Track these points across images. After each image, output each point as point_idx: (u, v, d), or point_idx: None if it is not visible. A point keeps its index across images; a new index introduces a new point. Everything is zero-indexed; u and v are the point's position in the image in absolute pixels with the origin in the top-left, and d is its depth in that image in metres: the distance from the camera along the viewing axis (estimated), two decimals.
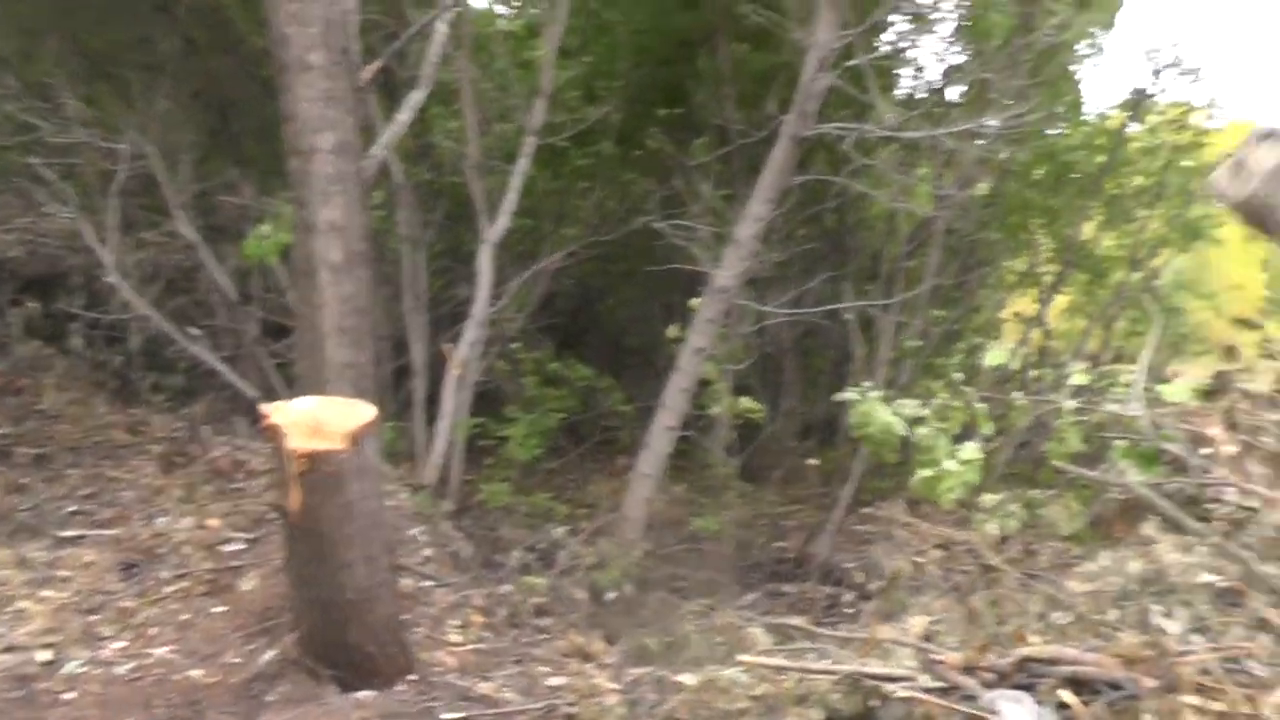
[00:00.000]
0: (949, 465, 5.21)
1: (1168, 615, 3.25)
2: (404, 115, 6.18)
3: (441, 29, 6.46)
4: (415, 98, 6.28)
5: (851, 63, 7.80)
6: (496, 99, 9.28)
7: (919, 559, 5.39)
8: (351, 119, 5.50)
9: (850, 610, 7.18)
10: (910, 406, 5.63)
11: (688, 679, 4.05)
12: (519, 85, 9.08)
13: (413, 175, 9.22)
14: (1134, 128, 12.11)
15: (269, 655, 4.53)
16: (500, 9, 10.93)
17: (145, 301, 8.72)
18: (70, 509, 6.69)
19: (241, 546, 5.90)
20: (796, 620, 5.87)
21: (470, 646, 5.05)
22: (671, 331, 8.03)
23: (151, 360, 9.34)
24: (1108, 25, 12.62)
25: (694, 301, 7.87)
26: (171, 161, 9.00)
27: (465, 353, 8.33)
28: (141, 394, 9.06)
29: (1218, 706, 2.56)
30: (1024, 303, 13.10)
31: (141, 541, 5.98)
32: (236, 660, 4.56)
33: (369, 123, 6.94)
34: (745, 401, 8.29)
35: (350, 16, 5.65)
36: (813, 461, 9.34)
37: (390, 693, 4.34)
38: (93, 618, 5.01)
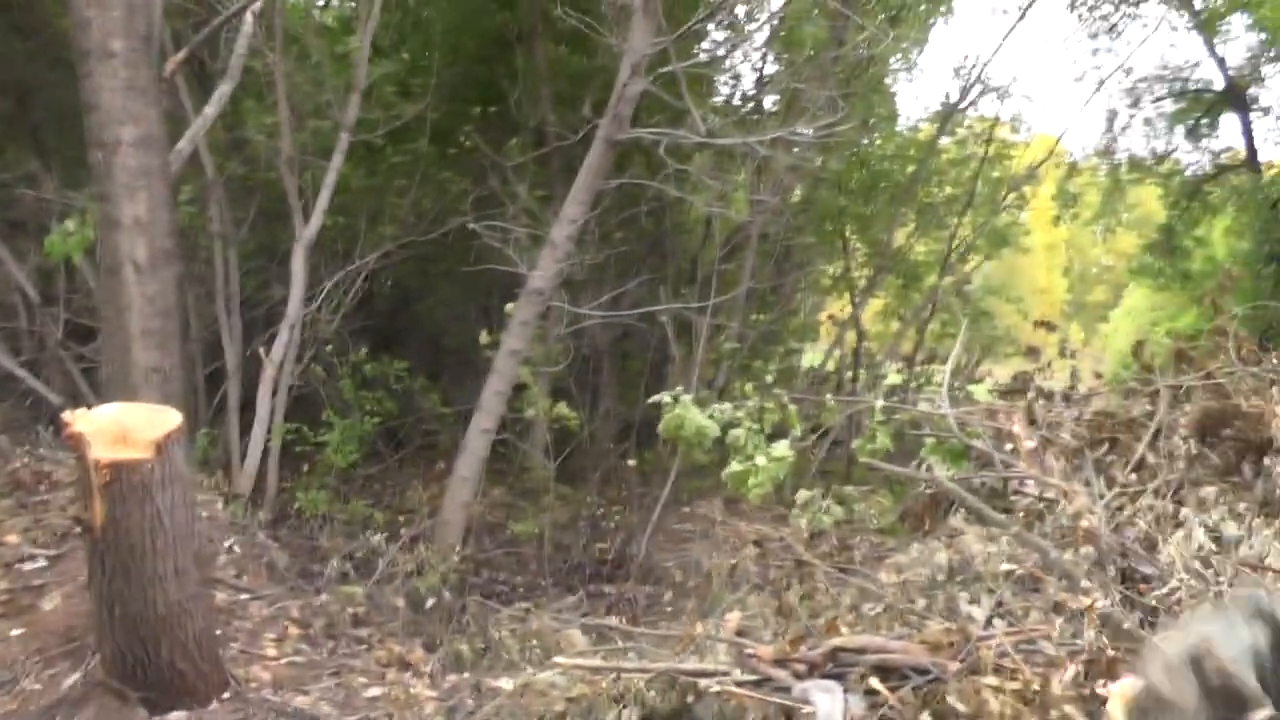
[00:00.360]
0: (759, 461, 5.31)
1: (973, 602, 3.37)
2: (211, 109, 5.98)
3: (249, 19, 6.28)
4: (223, 90, 6.10)
5: (667, 69, 7.88)
6: (311, 94, 9.08)
7: (736, 557, 5.48)
8: (155, 111, 5.29)
9: (670, 609, 7.24)
10: (725, 410, 5.72)
11: (505, 683, 4.03)
12: (334, 80, 8.91)
13: (225, 170, 8.96)
14: (945, 140, 12.61)
15: (72, 678, 4.29)
16: (315, 1, 10.68)
17: None
18: None
19: (43, 564, 5.61)
20: (614, 620, 5.90)
21: (287, 660, 4.92)
22: (484, 336, 7.99)
23: None
24: (922, 42, 13.11)
25: (510, 306, 7.85)
26: None
27: (279, 355, 8.14)
28: None
29: (1014, 686, 2.67)
30: (839, 306, 13.51)
31: None
32: (37, 686, 4.31)
33: (178, 115, 6.72)
34: (560, 406, 8.31)
35: (155, 2, 5.45)
36: (631, 462, 9.38)
37: (204, 712, 4.19)
38: None
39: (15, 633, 4.79)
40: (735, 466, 5.22)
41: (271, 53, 8.21)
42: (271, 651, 4.97)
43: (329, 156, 8.46)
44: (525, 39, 10.29)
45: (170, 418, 4.01)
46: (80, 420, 3.87)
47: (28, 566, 5.54)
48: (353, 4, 9.37)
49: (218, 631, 4.63)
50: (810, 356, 12.88)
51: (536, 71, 10.20)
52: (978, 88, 12.31)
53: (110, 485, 3.78)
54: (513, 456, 9.33)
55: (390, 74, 9.42)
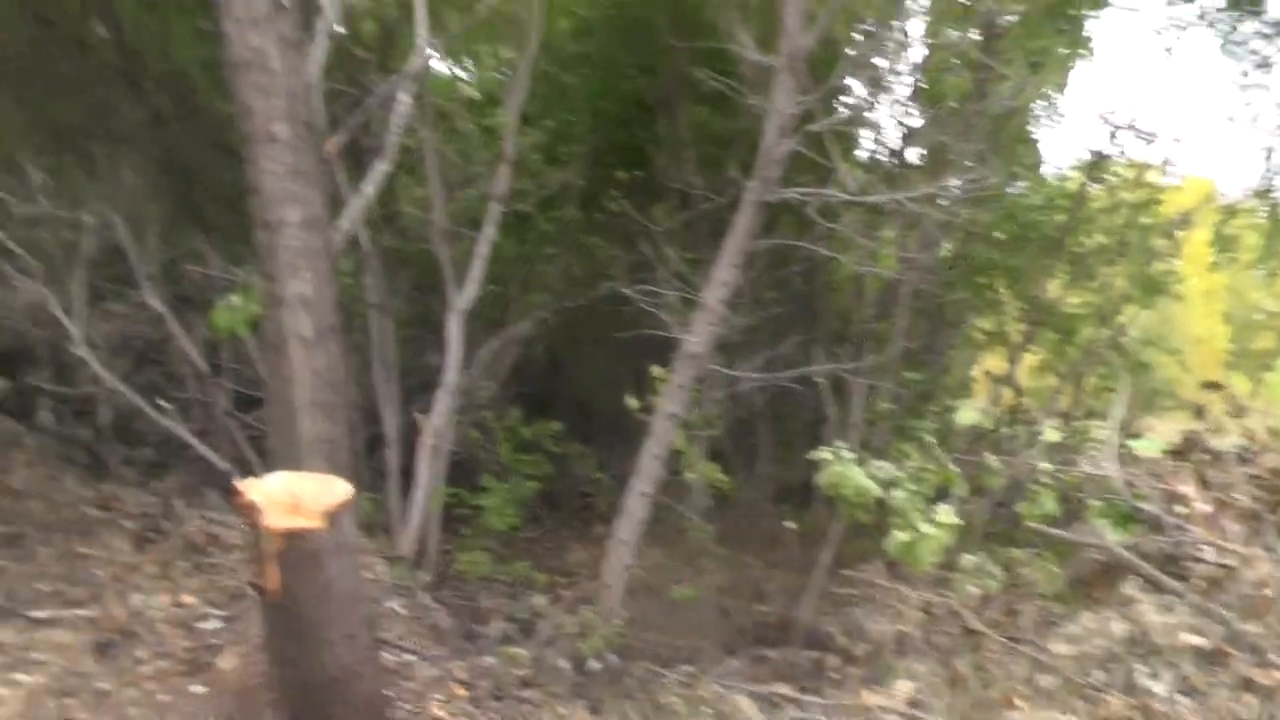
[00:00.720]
0: (925, 529, 5.20)
1: (1154, 677, 3.23)
2: (369, 187, 6.16)
3: (404, 98, 6.46)
4: (380, 169, 6.26)
5: (812, 127, 7.86)
6: (460, 166, 9.31)
7: (901, 622, 5.37)
8: (318, 192, 5.46)
9: (836, 675, 7.12)
10: (884, 469, 5.63)
11: None
12: (482, 151, 9.12)
13: (379, 242, 9.22)
14: (1093, 187, 12.28)
15: None
16: (461, 75, 10.96)
17: (114, 374, 8.64)
18: (43, 589, 6.57)
19: (219, 624, 5.81)
20: (782, 688, 5.82)
21: None
22: (631, 403, 8.01)
23: (122, 434, 9.28)
24: (1060, 87, 12.86)
25: (657, 370, 7.86)
26: (138, 232, 8.97)
27: (438, 422, 8.29)
28: (112, 468, 8.99)
29: None
30: (994, 362, 13.20)
31: (117, 620, 5.87)
32: None
33: (335, 192, 6.93)
34: (715, 469, 8.28)
35: (314, 88, 5.65)
36: (790, 525, 9.29)
37: None
38: (68, 700, 4.88)
39: (196, 690, 4.95)
40: (901, 535, 5.11)
41: (422, 128, 8.45)
42: (439, 713, 5.04)
43: (479, 226, 8.64)
44: (667, 102, 10.41)
45: (340, 488, 4.11)
46: (253, 490, 3.99)
47: (205, 626, 5.74)
48: (499, 76, 9.59)
49: (386, 693, 4.71)
50: (966, 414, 12.60)
51: (680, 134, 10.30)
52: (1124, 132, 11.96)
53: (283, 552, 3.89)
54: (670, 519, 9.32)
55: (537, 143, 9.60)
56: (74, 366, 8.94)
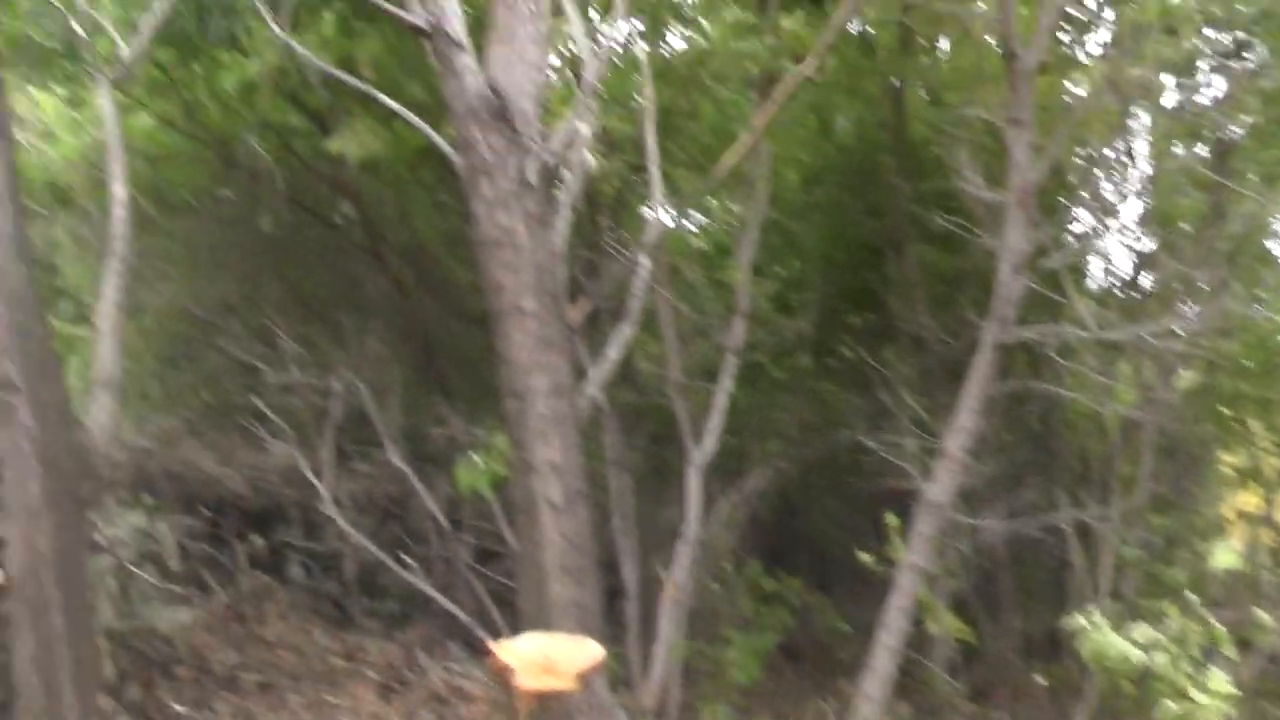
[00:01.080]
0: (1199, 698, 4.90)
1: None
2: (613, 352, 6.30)
3: (645, 263, 6.61)
4: (624, 333, 6.41)
5: (1045, 262, 7.68)
6: (693, 319, 9.43)
7: None
8: (564, 360, 5.62)
9: None
10: (1144, 632, 5.35)
11: None
12: (714, 303, 9.22)
13: (616, 399, 9.38)
14: None
15: None
16: (692, 228, 11.17)
17: (360, 531, 8.96)
18: None
19: None
20: None
21: None
22: (874, 554, 7.84)
23: (367, 587, 9.55)
24: None
25: (891, 519, 7.69)
26: (382, 396, 9.37)
27: (679, 574, 8.30)
28: (358, 621, 9.27)
29: None
30: (1248, 500, 12.48)
31: None
32: None
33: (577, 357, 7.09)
34: (959, 621, 8.01)
35: (559, 259, 5.84)
36: (1040, 679, 8.88)
37: None
38: None
39: None
40: (1173, 708, 4.83)
41: (657, 285, 8.63)
42: None
43: (714, 378, 8.70)
44: (896, 244, 10.36)
45: (592, 649, 4.13)
46: (505, 651, 4.03)
47: None
48: (730, 227, 9.73)
49: None
50: (1223, 557, 11.86)
51: (910, 276, 10.22)
52: None
53: (536, 713, 3.91)
54: (915, 671, 9.02)
55: (769, 292, 9.66)
56: (322, 524, 9.29)
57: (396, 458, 9.15)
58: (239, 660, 7.81)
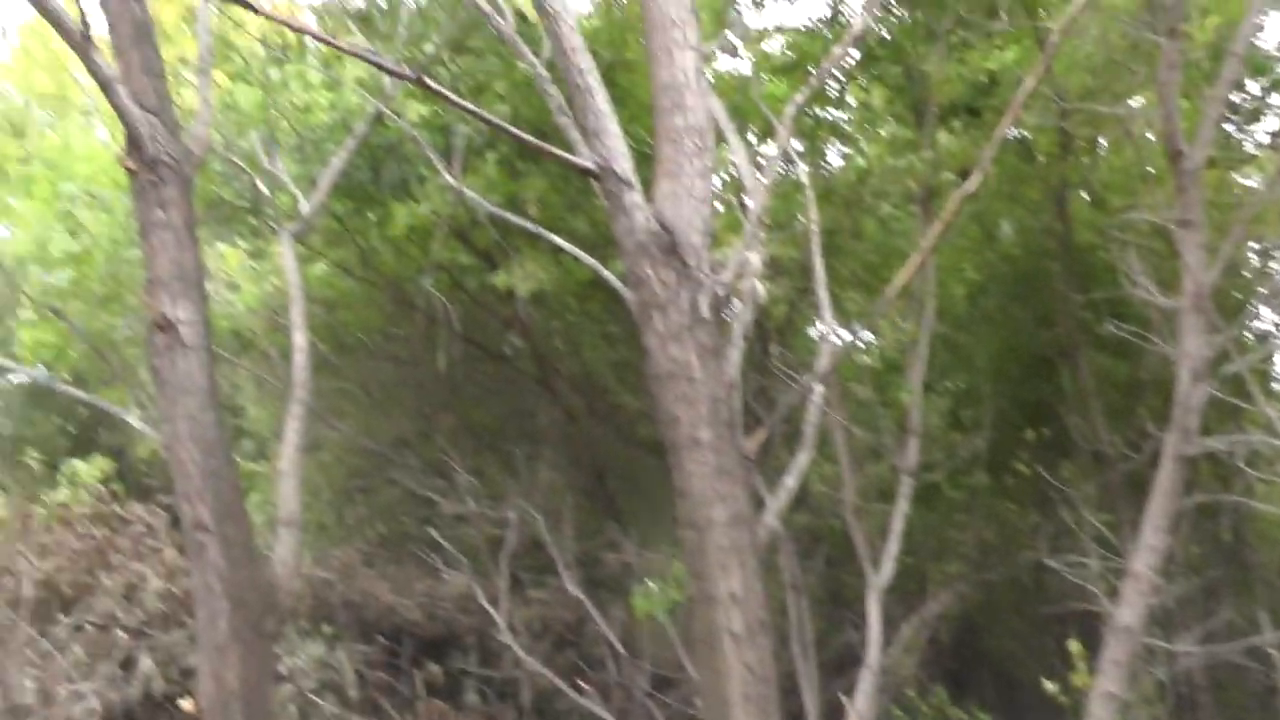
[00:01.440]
0: None
1: None
2: (791, 480, 6.24)
3: (819, 390, 6.58)
4: (800, 461, 6.35)
5: (1226, 367, 7.37)
6: (866, 439, 9.33)
7: None
8: (742, 490, 5.59)
9: None
10: None
11: None
12: (887, 423, 9.11)
13: (792, 522, 9.29)
14: None
15: None
16: (860, 346, 11.07)
17: (535, 657, 9.00)
18: None
19: None
20: None
21: None
22: (1050, 687, 7.52)
23: (543, 713, 9.58)
24: None
25: (1073, 645, 7.39)
26: (555, 523, 9.46)
27: (861, 702, 8.10)
28: None
29: None
30: None
31: None
32: None
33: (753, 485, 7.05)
34: None
35: (733, 388, 5.85)
36: None
37: None
38: None
39: None
40: None
41: (830, 407, 8.58)
42: None
43: (889, 498, 8.56)
44: (1069, 355, 10.11)
45: None
46: None
47: None
48: (896, 344, 9.63)
49: None
50: None
51: (1085, 387, 9.94)
52: None
53: None
54: None
55: (940, 409, 9.52)
56: (498, 651, 9.39)
57: (571, 584, 9.21)
58: None
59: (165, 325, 6.11)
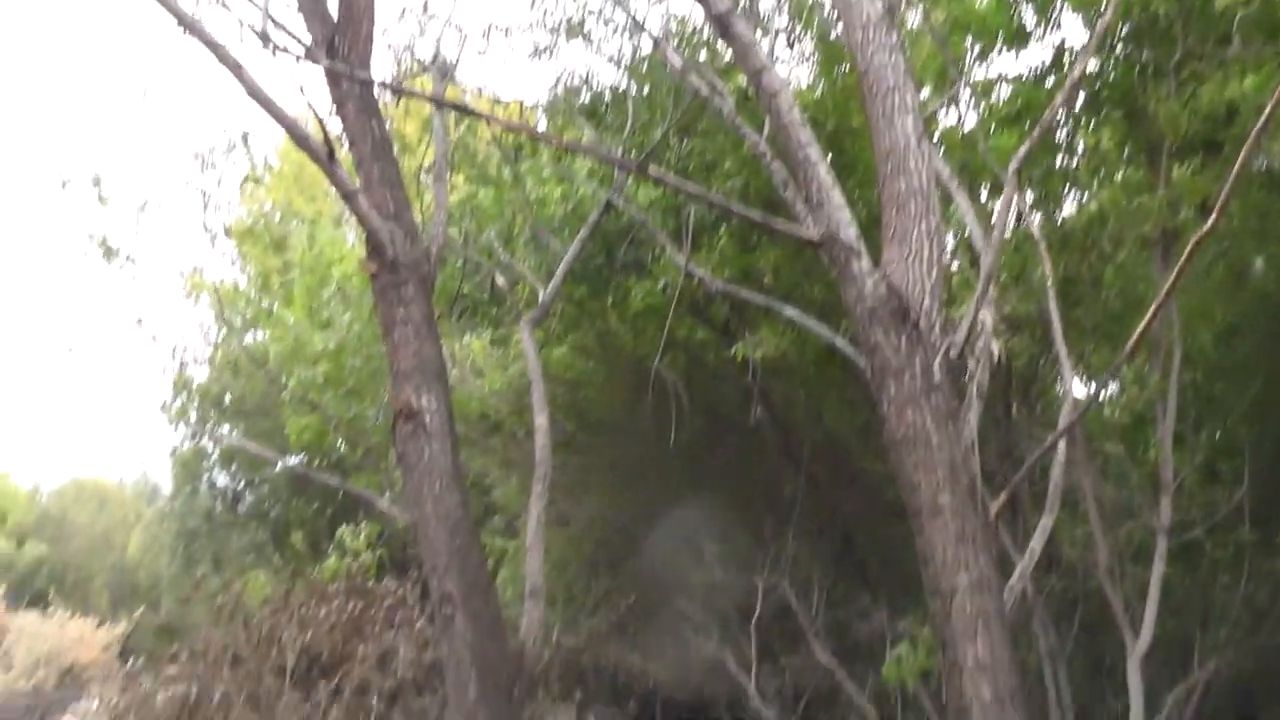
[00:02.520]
0: None
1: None
2: (1036, 543, 6.10)
3: (1062, 448, 6.42)
4: (1045, 524, 6.20)
5: None
6: (1116, 497, 8.98)
7: None
8: (986, 555, 5.50)
9: None
10: None
11: None
12: (1138, 479, 8.76)
13: (1044, 586, 9.01)
14: None
15: None
16: (1105, 400, 10.67)
17: None
18: None
19: None
20: None
21: None
22: None
23: None
24: None
25: None
26: (804, 591, 9.46)
27: None
28: None
29: None
30: None
31: None
32: None
33: (1000, 549, 6.92)
34: None
35: (972, 450, 5.78)
36: None
37: None
38: None
39: None
40: None
41: (1076, 465, 8.31)
42: None
43: (1143, 559, 8.22)
44: None
45: None
46: None
47: None
48: (1144, 396, 9.22)
49: None
50: None
51: None
52: None
53: None
54: None
55: (1195, 463, 9.07)
56: (749, 718, 9.39)
57: (822, 652, 9.19)
58: None
59: (410, 414, 6.48)
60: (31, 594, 33.62)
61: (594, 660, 9.90)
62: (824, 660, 9.24)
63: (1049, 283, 7.03)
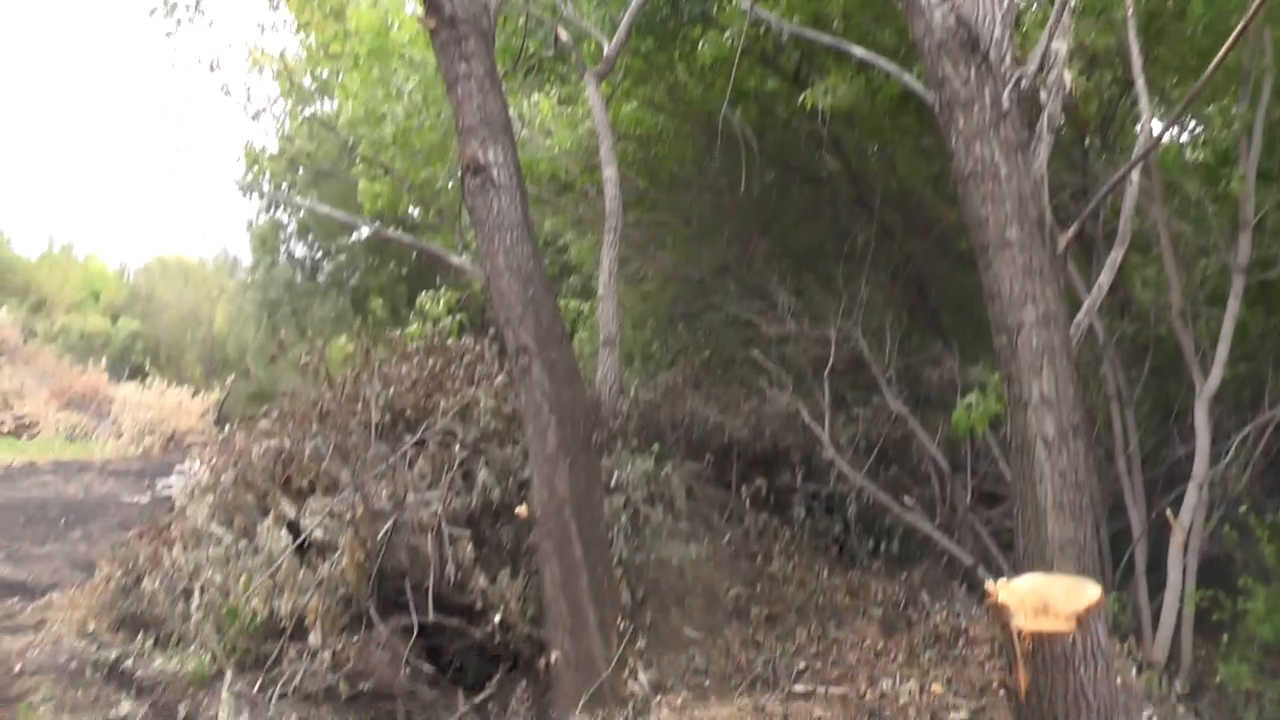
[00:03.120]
0: None
1: None
2: (1105, 278, 6.01)
3: (1134, 178, 6.26)
4: (1114, 257, 6.10)
5: None
6: (1193, 238, 8.81)
7: None
8: (1053, 290, 5.46)
9: None
10: None
11: None
12: (1217, 219, 8.55)
13: (1114, 330, 8.95)
14: None
15: None
16: (1187, 138, 10.34)
17: (859, 473, 9.16)
18: (799, 665, 7.06)
19: (965, 715, 5.91)
20: None
21: None
22: None
23: (868, 528, 9.75)
24: None
25: None
26: (875, 341, 9.49)
27: (1188, 518, 7.83)
28: (859, 560, 9.49)
29: None
30: None
31: (866, 702, 6.19)
32: None
33: (1068, 286, 6.87)
34: None
35: (1041, 184, 5.68)
36: None
37: None
38: None
39: None
40: None
41: (1151, 204, 8.14)
42: None
43: (1219, 303, 8.10)
44: None
45: (1089, 591, 4.05)
46: (1002, 591, 4.04)
47: (951, 715, 5.85)
48: (1230, 133, 8.89)
49: None
50: None
51: None
52: None
53: (1032, 655, 3.89)
54: None
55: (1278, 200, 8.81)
56: (823, 467, 9.57)
57: (893, 400, 9.28)
58: (747, 593, 8.20)
59: (477, 168, 6.48)
60: (129, 368, 34.87)
61: (670, 414, 10.10)
62: (896, 409, 9.34)
63: (1129, 14, 6.74)
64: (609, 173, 7.29)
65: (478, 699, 6.49)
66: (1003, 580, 4.17)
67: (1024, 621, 3.93)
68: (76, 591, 8.69)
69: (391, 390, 7.99)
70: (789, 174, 11.17)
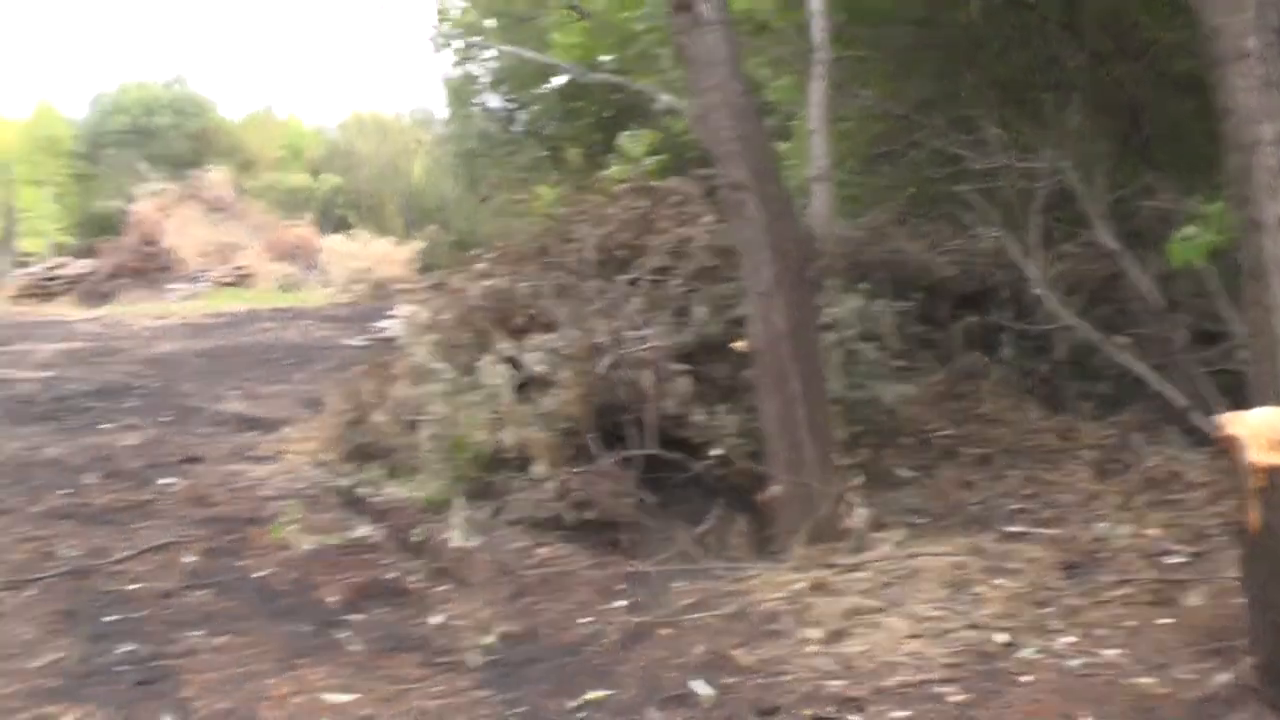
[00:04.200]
0: None
1: None
2: None
3: None
4: None
5: None
6: None
7: None
8: None
9: None
10: None
11: None
12: None
13: None
14: None
15: (1223, 678, 4.22)
16: None
17: (1070, 311, 8.92)
18: (1012, 507, 7.05)
19: (1183, 560, 5.79)
20: None
21: None
22: None
23: (1078, 368, 9.52)
24: None
25: None
26: (1086, 173, 9.14)
27: None
28: (1069, 401, 9.29)
29: None
30: None
31: (1080, 544, 6.13)
32: (1187, 676, 4.33)
33: None
34: None
35: None
36: None
37: None
38: (1042, 610, 5.15)
39: (1162, 621, 4.94)
40: None
41: None
42: None
43: None
44: None
45: None
46: (1233, 423, 3.91)
47: (1168, 560, 5.75)
48: None
49: None
50: None
51: None
52: None
53: (1265, 490, 3.76)
54: None
55: None
56: (1032, 305, 9.34)
57: (1105, 235, 8.96)
58: (957, 433, 8.18)
59: (684, 4, 6.40)
60: (333, 221, 36.18)
61: (878, 253, 9.97)
62: (1107, 244, 9.02)
63: None
64: (815, 3, 7.14)
65: (697, 531, 6.61)
66: (1235, 413, 4.04)
67: (1257, 455, 3.78)
68: (307, 425, 9.22)
69: (603, 230, 8.10)
70: (994, 2, 10.72)
